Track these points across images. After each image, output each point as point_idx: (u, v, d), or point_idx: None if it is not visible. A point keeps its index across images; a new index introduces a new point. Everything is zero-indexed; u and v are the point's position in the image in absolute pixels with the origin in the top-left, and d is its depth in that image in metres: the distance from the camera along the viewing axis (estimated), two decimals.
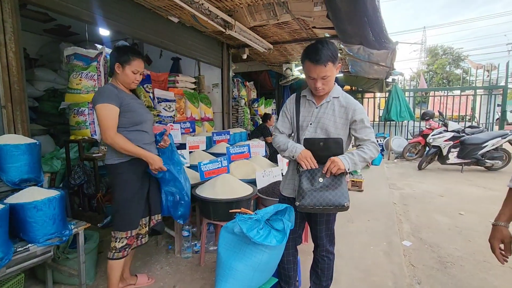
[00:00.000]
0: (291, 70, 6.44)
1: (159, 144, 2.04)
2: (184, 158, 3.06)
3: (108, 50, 3.09)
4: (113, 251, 1.93)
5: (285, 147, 1.69)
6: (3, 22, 2.13)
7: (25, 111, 2.28)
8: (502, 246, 1.30)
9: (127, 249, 1.97)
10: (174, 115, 4.14)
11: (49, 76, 4.39)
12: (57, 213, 1.70)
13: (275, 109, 8.13)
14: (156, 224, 2.14)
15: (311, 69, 1.58)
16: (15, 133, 2.16)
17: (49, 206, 1.65)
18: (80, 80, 2.86)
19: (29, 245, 1.63)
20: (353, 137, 1.74)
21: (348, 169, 1.55)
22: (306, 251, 2.66)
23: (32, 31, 4.68)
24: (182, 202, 2.16)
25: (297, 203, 1.53)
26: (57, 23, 4.49)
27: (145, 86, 3.91)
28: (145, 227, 2.09)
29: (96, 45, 3.29)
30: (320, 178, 1.54)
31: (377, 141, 8.48)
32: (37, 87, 4.33)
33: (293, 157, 1.66)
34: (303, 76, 7.54)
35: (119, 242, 1.92)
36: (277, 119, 1.92)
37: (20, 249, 1.59)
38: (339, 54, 1.66)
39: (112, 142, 1.76)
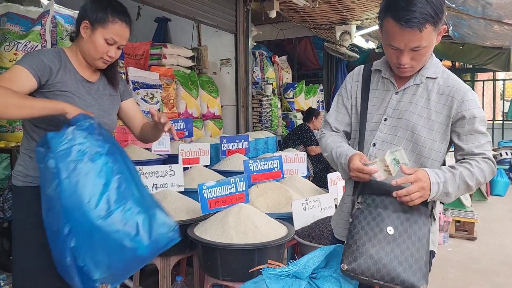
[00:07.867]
0: (350, 35, 4.84)
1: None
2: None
3: (58, 8, 2.49)
4: None
5: (334, 154, 1.28)
6: None
7: None
8: None
9: None
10: (158, 109, 3.24)
11: None
12: None
13: (322, 101, 6.37)
14: None
15: (396, 33, 1.16)
16: None
17: None
18: (15, 54, 2.30)
19: None
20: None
21: (433, 198, 1.15)
22: None
23: None
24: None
25: (344, 266, 1.16)
26: None
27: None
28: None
29: (40, 0, 2.73)
30: (389, 228, 1.13)
31: (499, 154, 6.70)
32: None
33: (342, 168, 1.28)
34: (371, 45, 6.03)
35: None
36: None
37: None
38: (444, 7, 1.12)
39: None
